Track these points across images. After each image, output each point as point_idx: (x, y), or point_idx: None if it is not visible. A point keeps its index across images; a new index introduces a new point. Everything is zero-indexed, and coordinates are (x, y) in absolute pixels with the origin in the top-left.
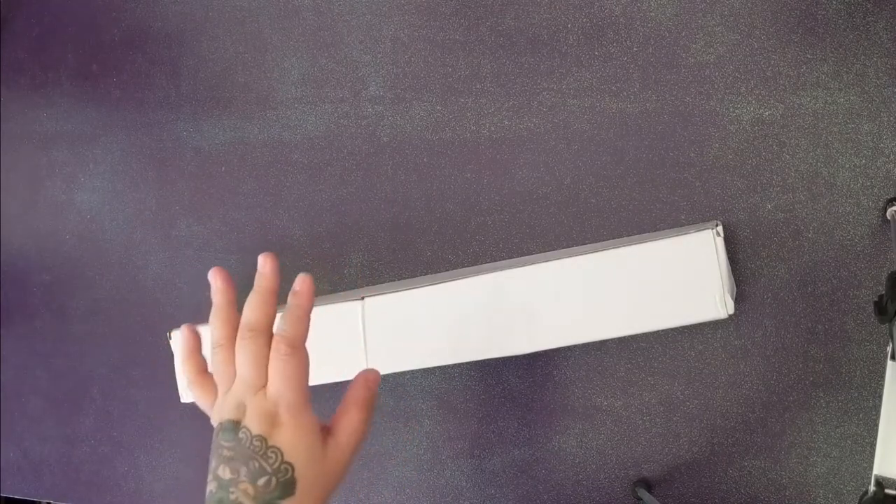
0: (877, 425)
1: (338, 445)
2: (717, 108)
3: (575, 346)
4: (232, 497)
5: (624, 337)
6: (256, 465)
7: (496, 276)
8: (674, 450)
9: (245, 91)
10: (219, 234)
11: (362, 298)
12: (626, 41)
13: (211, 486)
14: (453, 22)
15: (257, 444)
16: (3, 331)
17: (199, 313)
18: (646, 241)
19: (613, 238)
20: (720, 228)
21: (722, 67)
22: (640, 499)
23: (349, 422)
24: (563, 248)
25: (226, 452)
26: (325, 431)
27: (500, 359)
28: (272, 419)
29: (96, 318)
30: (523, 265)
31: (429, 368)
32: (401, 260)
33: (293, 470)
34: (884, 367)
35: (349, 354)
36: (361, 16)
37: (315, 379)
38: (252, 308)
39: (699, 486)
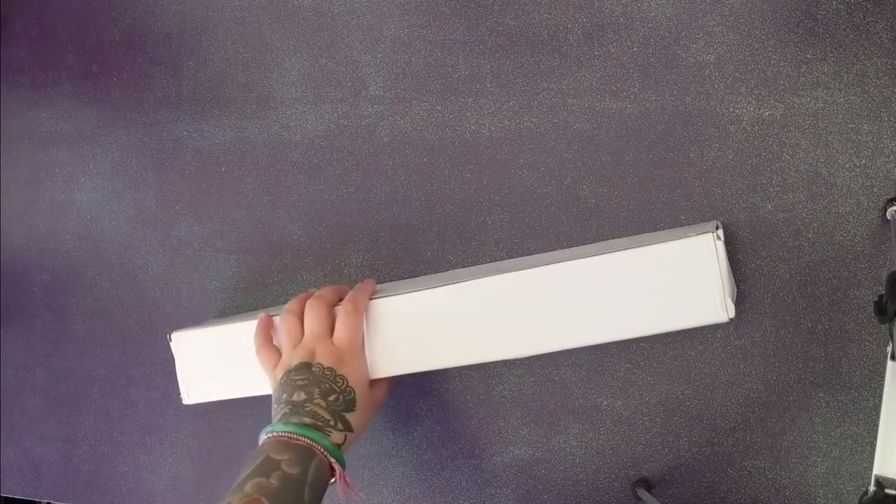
0: (877, 425)
1: (376, 394)
2: (717, 109)
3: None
4: (307, 409)
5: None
6: (327, 386)
7: (496, 279)
8: (674, 450)
9: (245, 91)
10: (219, 234)
11: None
12: (626, 41)
13: (284, 410)
14: (453, 22)
15: (328, 372)
16: (3, 331)
17: (200, 313)
18: (646, 243)
19: (613, 238)
20: (720, 231)
21: (722, 67)
22: (640, 499)
23: (383, 388)
24: (563, 248)
25: (300, 383)
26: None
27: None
28: (339, 358)
29: (96, 318)
30: (523, 266)
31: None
32: (401, 260)
33: (355, 393)
34: (884, 367)
35: None
36: (361, 16)
37: None
38: (323, 288)
39: (699, 487)
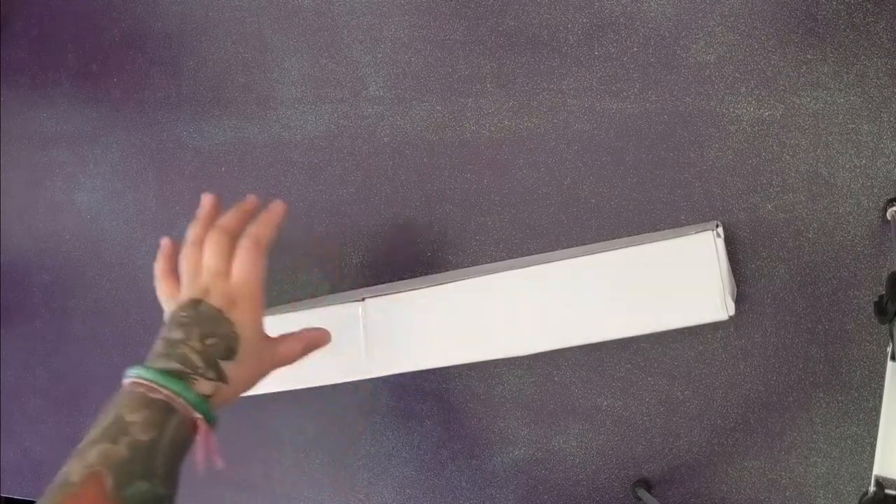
0: (877, 425)
1: (275, 351)
2: (717, 109)
3: (575, 347)
4: (178, 351)
5: (624, 337)
6: (209, 328)
7: (496, 277)
8: (674, 450)
9: (245, 91)
10: None
11: (363, 300)
12: (626, 41)
13: (157, 347)
14: (453, 22)
15: (215, 313)
16: (3, 331)
17: None
18: (646, 242)
19: (614, 238)
20: (720, 230)
21: (722, 68)
22: (639, 499)
23: (291, 346)
24: (563, 248)
25: (183, 320)
26: (270, 337)
27: (500, 359)
28: (231, 300)
29: (96, 319)
30: (523, 266)
31: (429, 368)
32: (401, 260)
33: (238, 340)
34: (884, 368)
35: (350, 356)
36: (361, 16)
37: (316, 380)
38: (227, 216)
39: (699, 487)
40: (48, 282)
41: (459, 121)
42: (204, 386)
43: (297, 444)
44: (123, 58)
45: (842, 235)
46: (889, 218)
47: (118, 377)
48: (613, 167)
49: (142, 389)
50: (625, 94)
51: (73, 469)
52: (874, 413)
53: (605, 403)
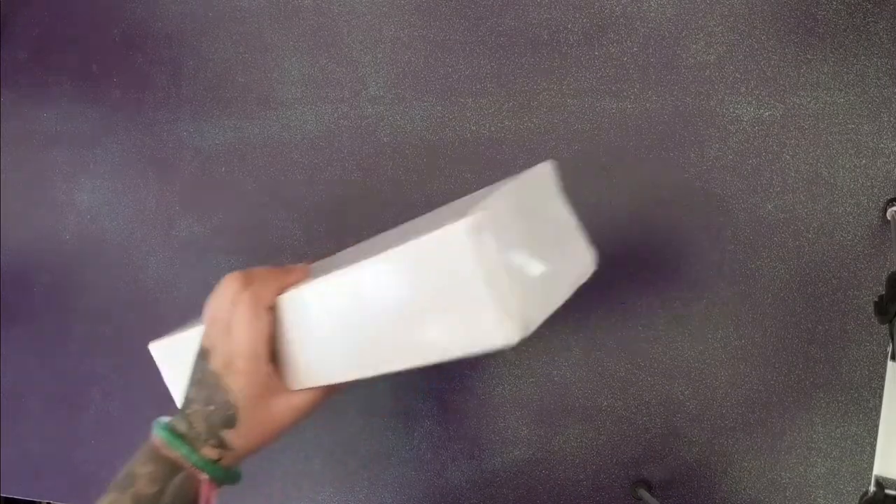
0: (877, 425)
1: (290, 405)
2: (718, 109)
3: (575, 347)
4: (188, 411)
5: (621, 337)
6: (209, 394)
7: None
8: (674, 450)
9: (245, 91)
10: (219, 234)
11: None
12: (626, 41)
13: (182, 401)
14: (453, 22)
15: (215, 379)
16: (3, 331)
17: (199, 313)
18: (408, 237)
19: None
20: (486, 212)
21: (722, 68)
22: (640, 499)
23: (310, 398)
24: None
25: (196, 375)
26: (278, 392)
27: (499, 359)
28: (229, 361)
29: (96, 318)
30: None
31: (429, 369)
32: None
33: (236, 410)
34: (884, 367)
35: None
36: (361, 16)
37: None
38: (262, 268)
39: (699, 487)
40: (49, 282)
41: (459, 121)
42: (209, 452)
43: (297, 444)
44: (123, 58)
45: (842, 235)
46: (889, 218)
47: (118, 377)
48: (613, 167)
49: (157, 444)
50: (625, 94)
51: None
52: (874, 413)
53: (605, 403)
